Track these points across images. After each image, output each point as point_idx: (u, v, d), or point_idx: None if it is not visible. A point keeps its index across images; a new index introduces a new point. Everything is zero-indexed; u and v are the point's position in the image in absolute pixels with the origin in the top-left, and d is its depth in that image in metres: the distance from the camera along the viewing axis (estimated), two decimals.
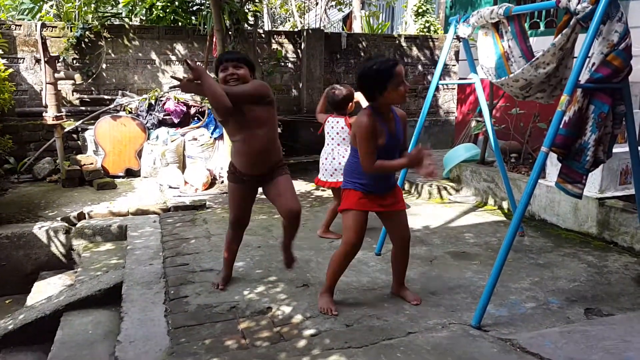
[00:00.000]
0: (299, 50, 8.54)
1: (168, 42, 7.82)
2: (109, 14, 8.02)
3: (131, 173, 6.86)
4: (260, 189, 3.14)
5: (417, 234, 4.39)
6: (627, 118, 2.92)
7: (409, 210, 5.22)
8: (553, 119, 2.73)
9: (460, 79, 8.22)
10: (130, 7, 7.94)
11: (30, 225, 4.71)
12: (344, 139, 4.10)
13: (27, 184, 6.49)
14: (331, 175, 4.18)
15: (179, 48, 7.88)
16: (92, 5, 7.57)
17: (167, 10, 7.89)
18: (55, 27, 7.30)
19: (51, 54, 6.30)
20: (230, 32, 6.83)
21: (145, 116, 7.15)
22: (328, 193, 5.52)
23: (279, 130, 4.08)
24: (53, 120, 6.20)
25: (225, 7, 6.65)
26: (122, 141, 6.82)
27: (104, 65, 7.52)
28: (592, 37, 2.67)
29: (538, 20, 6.52)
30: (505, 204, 5.12)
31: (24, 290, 4.23)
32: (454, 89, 9.34)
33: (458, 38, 3.93)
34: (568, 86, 2.70)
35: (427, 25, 12.20)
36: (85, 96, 7.45)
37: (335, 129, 4.14)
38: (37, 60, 7.04)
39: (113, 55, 7.59)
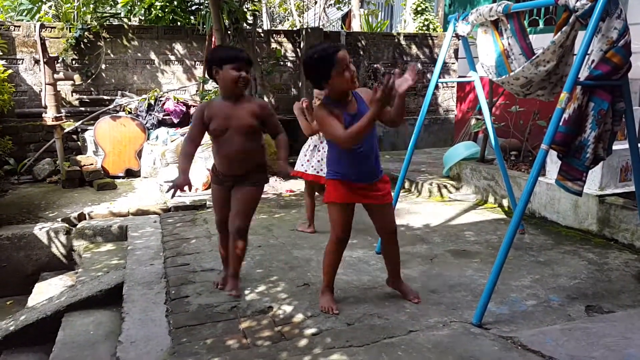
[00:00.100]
0: (298, 49, 8.54)
1: (167, 42, 7.81)
2: (107, 14, 8.03)
3: (131, 173, 6.87)
4: None
5: (417, 232, 4.39)
6: (626, 115, 2.91)
7: (409, 208, 5.23)
8: (553, 116, 2.73)
9: (459, 77, 8.22)
10: (129, 7, 7.94)
11: (31, 226, 4.71)
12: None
13: (27, 185, 6.49)
14: (312, 167, 4.25)
15: (178, 48, 7.87)
16: (91, 6, 7.57)
17: (166, 10, 7.88)
18: (54, 27, 7.30)
19: (50, 55, 6.31)
20: (229, 32, 6.83)
21: (145, 116, 7.16)
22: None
23: None
24: (53, 121, 6.20)
25: (224, 6, 6.65)
26: (122, 141, 6.82)
27: (103, 66, 7.52)
28: (591, 34, 2.66)
29: (537, 17, 6.51)
30: (505, 202, 5.12)
31: (25, 291, 4.24)
32: (453, 87, 9.34)
33: (457, 36, 3.92)
34: (567, 83, 2.70)
35: (426, 23, 12.22)
36: (85, 97, 7.45)
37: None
38: (37, 61, 7.04)
39: (112, 55, 7.59)
